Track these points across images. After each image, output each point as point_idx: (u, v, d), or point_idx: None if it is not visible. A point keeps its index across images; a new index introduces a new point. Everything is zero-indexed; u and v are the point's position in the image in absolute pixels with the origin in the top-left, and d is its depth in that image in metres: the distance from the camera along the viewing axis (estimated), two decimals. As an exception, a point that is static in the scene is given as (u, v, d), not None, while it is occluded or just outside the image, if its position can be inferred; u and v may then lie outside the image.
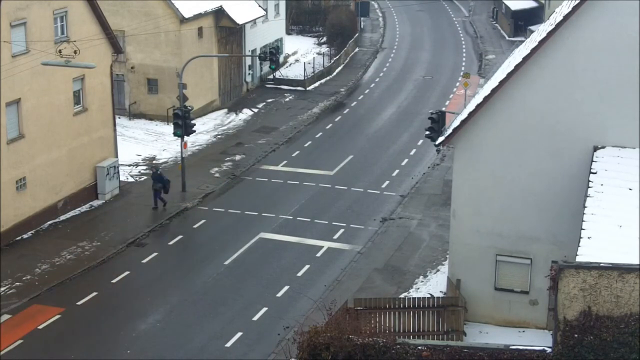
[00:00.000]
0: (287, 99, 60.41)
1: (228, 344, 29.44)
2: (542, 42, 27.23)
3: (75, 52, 34.17)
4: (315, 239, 37.99)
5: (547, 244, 28.50)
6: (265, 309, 31.77)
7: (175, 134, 41.99)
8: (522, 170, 28.49)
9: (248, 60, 61.11)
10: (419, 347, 20.96)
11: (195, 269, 35.00)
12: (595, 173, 25.63)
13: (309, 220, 40.00)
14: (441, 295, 31.07)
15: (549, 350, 20.42)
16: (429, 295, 30.51)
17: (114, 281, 33.73)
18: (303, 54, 72.02)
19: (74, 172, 39.85)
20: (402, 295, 32.13)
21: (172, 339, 29.66)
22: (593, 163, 26.30)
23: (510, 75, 27.86)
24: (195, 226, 39.34)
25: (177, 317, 31.21)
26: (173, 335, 29.94)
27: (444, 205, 40.64)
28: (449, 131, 29.70)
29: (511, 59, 32.73)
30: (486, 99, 28.36)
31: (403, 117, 56.84)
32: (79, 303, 31.83)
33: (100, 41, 40.32)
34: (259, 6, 60.60)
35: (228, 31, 57.16)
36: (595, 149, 27.21)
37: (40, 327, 30.22)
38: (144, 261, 35.51)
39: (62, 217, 39.15)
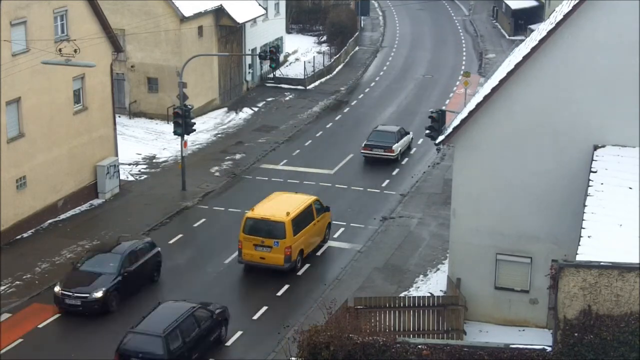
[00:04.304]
0: (287, 98, 60.42)
1: (228, 343, 29.43)
2: (542, 41, 27.23)
3: (75, 51, 34.20)
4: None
5: (547, 243, 28.50)
6: (265, 307, 31.77)
7: (175, 133, 42.00)
8: (522, 169, 28.49)
9: (248, 59, 61.11)
10: (419, 346, 20.98)
11: (196, 268, 34.98)
12: (596, 172, 25.62)
13: (309, 219, 39.99)
14: (441, 294, 31.07)
15: (549, 349, 20.44)
16: (429, 294, 30.50)
17: (114, 280, 33.71)
18: (303, 52, 72.01)
19: (74, 171, 39.85)
20: (402, 294, 32.13)
21: (172, 338, 29.63)
22: (593, 162, 26.29)
23: (510, 74, 27.86)
24: (195, 225, 39.34)
25: (177, 316, 31.16)
26: (173, 334, 29.91)
27: (444, 204, 40.63)
28: (449, 130, 29.70)
29: (511, 57, 32.73)
30: (486, 97, 28.36)
31: (403, 116, 56.79)
32: (79, 302, 31.82)
33: (101, 40, 40.32)
34: (259, 5, 60.61)
35: (228, 30, 57.16)
36: (596, 148, 27.21)
37: (40, 325, 30.22)
38: (144, 260, 35.49)
39: (62, 216, 39.17)
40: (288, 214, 33.82)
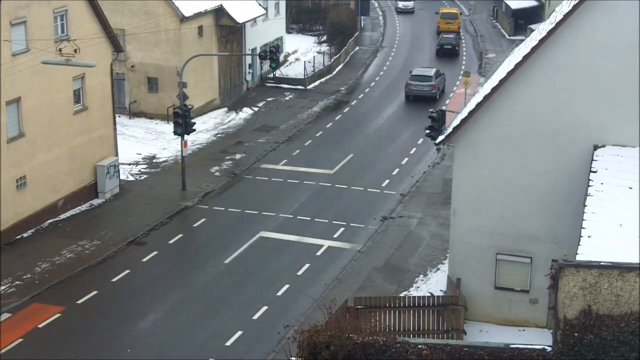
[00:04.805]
0: (287, 98, 60.41)
1: (228, 343, 29.45)
2: (542, 41, 27.23)
3: (75, 50, 34.21)
4: (316, 237, 37.98)
5: (547, 242, 28.50)
6: (265, 307, 31.77)
7: (175, 133, 41.99)
8: (522, 169, 28.49)
9: (248, 59, 61.10)
10: (419, 346, 20.96)
11: (196, 268, 35.00)
12: (596, 172, 25.62)
13: (309, 219, 40.00)
14: (441, 294, 31.08)
15: (549, 349, 20.42)
16: (429, 294, 30.51)
17: (114, 280, 33.74)
18: (303, 52, 72.00)
19: (74, 171, 39.85)
20: (402, 294, 32.13)
21: (172, 338, 29.67)
22: (593, 162, 26.29)
23: (510, 74, 27.86)
24: (195, 225, 39.34)
25: (177, 315, 31.21)
26: (173, 334, 29.95)
27: (444, 204, 40.63)
28: (449, 130, 29.70)
29: (511, 57, 32.73)
30: (486, 97, 28.35)
31: (403, 115, 56.81)
32: (79, 302, 31.84)
33: (101, 40, 40.32)
34: (259, 5, 60.59)
35: (228, 30, 57.14)
36: (596, 147, 27.21)
37: (40, 325, 30.24)
38: (144, 260, 35.52)
39: (62, 216, 39.17)
40: (457, 9, 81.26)
